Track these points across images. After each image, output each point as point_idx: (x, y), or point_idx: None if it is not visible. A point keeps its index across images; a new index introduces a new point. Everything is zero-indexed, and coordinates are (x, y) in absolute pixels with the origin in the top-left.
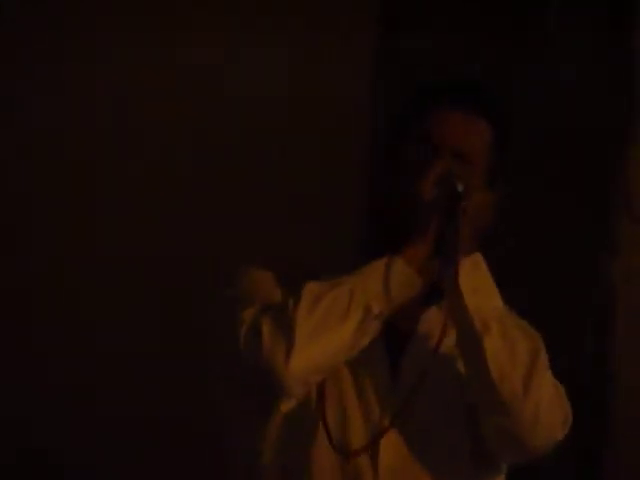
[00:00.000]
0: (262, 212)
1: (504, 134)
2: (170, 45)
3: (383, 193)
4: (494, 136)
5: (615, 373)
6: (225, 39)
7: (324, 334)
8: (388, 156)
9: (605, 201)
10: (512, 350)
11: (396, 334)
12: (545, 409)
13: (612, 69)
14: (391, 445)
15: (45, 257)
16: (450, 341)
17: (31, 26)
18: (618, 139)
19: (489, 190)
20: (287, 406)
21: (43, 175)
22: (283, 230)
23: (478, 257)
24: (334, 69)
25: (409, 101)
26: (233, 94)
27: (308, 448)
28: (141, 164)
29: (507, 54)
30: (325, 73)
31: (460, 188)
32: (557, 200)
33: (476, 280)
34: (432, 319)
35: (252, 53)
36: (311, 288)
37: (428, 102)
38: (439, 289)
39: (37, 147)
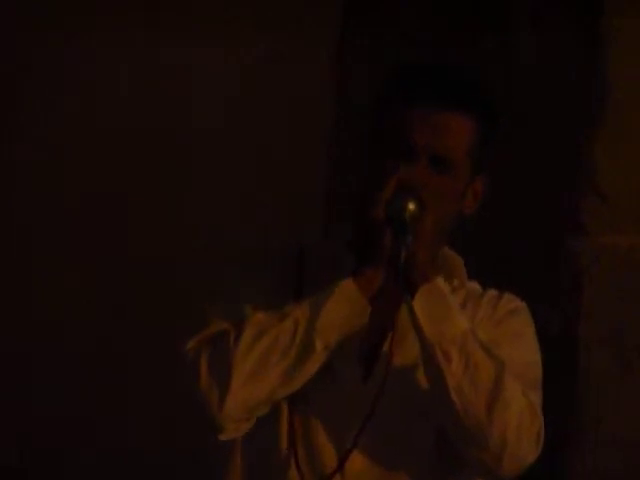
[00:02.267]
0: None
1: (490, 127)
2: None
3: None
4: (479, 131)
5: (582, 353)
6: (190, 39)
7: (262, 374)
8: (365, 156)
9: (572, 181)
10: (474, 379)
11: (375, 332)
12: (513, 434)
13: (582, 52)
14: (358, 463)
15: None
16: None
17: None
18: (586, 120)
19: (473, 182)
20: (226, 436)
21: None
22: (255, 219)
23: (439, 282)
24: (298, 66)
25: (380, 95)
26: (199, 92)
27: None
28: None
29: (473, 41)
30: (289, 70)
31: (411, 209)
32: (525, 181)
33: (436, 307)
34: (406, 320)
35: (217, 52)
36: (255, 321)
37: (401, 97)
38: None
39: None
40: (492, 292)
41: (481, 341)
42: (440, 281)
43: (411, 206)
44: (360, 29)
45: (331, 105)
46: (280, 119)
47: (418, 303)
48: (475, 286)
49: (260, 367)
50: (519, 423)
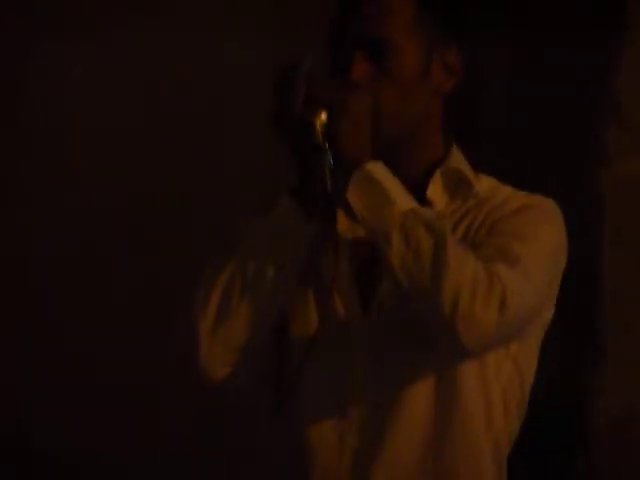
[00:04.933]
0: None
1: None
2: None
3: None
4: (416, 2)
5: (602, 280)
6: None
7: (229, 308)
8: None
9: (594, 110)
10: (416, 253)
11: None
12: (465, 298)
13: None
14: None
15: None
16: None
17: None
18: (611, 51)
19: (441, 55)
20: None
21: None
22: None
23: (370, 167)
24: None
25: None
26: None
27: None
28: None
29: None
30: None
31: (322, 119)
32: (546, 110)
33: (372, 194)
34: None
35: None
36: (211, 262)
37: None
38: None
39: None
40: (509, 189)
41: (424, 218)
42: (373, 165)
43: (322, 117)
44: None
45: None
46: None
47: (352, 194)
48: (489, 180)
49: (225, 303)
50: (473, 287)
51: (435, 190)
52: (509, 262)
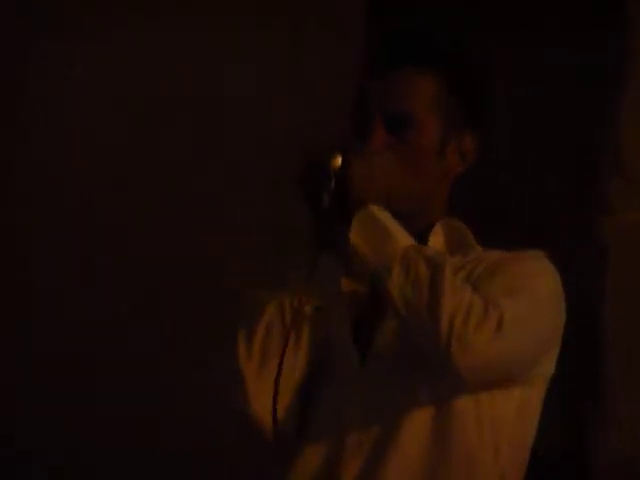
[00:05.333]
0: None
1: (456, 76)
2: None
3: None
4: (441, 82)
5: (605, 332)
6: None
7: (271, 364)
8: None
9: (597, 162)
10: (415, 283)
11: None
12: (460, 324)
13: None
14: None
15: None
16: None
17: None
18: (612, 102)
19: (459, 139)
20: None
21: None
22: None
23: (372, 208)
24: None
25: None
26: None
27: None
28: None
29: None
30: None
31: (336, 162)
32: (551, 161)
33: (373, 232)
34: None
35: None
36: (242, 321)
37: (365, 72)
38: None
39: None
40: (502, 251)
41: (424, 253)
42: (375, 207)
43: (336, 161)
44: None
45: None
46: (296, 119)
47: (355, 232)
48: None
49: (265, 362)
50: (467, 311)
51: (436, 240)
52: (510, 295)
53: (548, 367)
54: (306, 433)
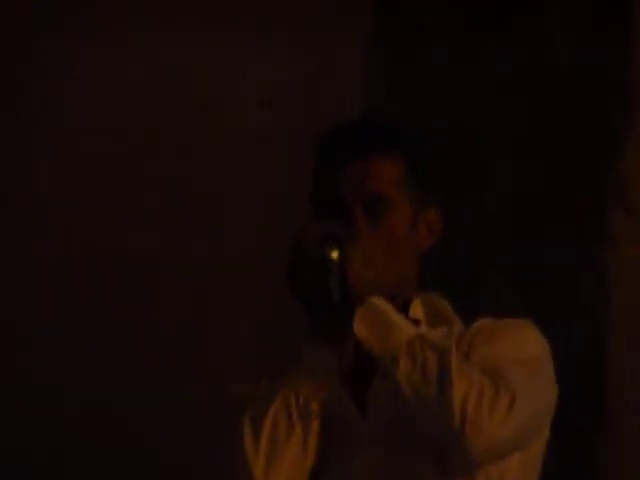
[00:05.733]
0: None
1: (414, 157)
2: (157, 45)
3: None
4: (403, 164)
5: (609, 363)
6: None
7: (279, 459)
8: None
9: (601, 194)
10: (423, 371)
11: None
12: (473, 410)
13: (608, 65)
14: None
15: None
16: None
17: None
18: (614, 135)
19: (425, 215)
20: None
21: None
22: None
23: (374, 300)
24: (328, 64)
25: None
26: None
27: None
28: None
29: (499, 43)
30: (318, 69)
31: (333, 255)
32: (554, 193)
33: (376, 325)
34: None
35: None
36: (247, 416)
37: (322, 162)
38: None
39: (36, 143)
40: (489, 319)
41: (430, 340)
42: (376, 299)
43: (334, 254)
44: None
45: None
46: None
47: (358, 326)
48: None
49: (273, 456)
50: (478, 398)
51: (416, 316)
52: (515, 365)
53: (546, 430)
54: None
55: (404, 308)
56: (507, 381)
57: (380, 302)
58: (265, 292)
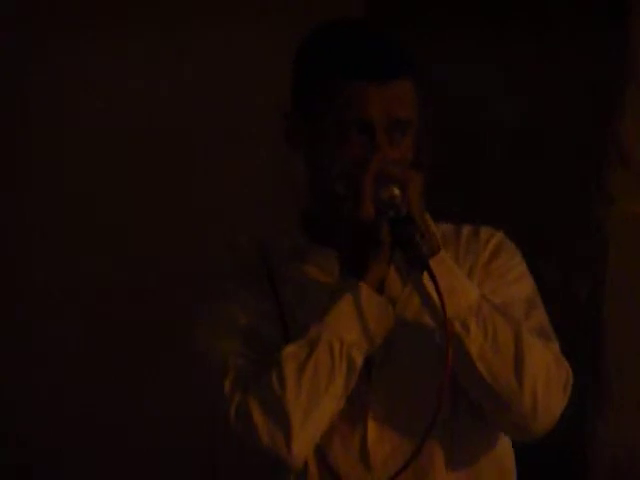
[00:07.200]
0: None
1: (421, 83)
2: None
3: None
4: (417, 89)
5: (606, 321)
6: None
7: (317, 407)
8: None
9: (600, 152)
10: (495, 344)
11: None
12: (542, 391)
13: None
14: (375, 433)
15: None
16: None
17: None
18: (614, 91)
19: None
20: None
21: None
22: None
23: (444, 254)
24: None
25: (310, 78)
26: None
27: None
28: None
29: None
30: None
31: (397, 195)
32: (552, 151)
33: (446, 279)
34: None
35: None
36: (289, 357)
37: (338, 78)
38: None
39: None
40: (467, 228)
41: (493, 303)
42: (444, 252)
43: (396, 192)
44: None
45: None
46: None
47: (428, 278)
48: (447, 226)
49: (313, 403)
50: (547, 378)
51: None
52: (544, 330)
53: None
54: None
55: None
56: (560, 359)
57: (447, 256)
58: None
